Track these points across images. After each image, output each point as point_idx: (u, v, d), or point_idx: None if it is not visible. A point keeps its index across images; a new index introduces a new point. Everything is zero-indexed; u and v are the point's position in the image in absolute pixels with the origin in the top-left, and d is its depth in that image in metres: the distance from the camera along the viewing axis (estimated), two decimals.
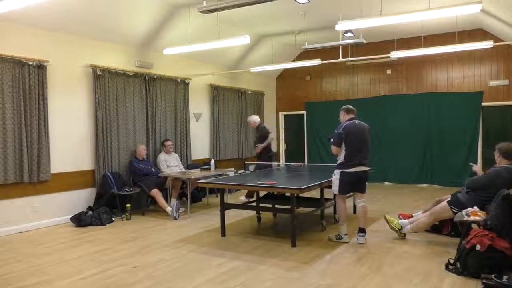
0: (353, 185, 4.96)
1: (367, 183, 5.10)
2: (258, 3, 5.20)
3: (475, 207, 4.26)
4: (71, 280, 3.89)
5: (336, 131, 4.96)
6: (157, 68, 7.83)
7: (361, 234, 4.95)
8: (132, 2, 6.46)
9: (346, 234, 4.99)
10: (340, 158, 4.95)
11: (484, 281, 3.47)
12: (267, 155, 7.91)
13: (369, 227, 5.70)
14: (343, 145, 4.89)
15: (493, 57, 8.94)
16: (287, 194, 5.62)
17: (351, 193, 5.22)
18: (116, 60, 7.10)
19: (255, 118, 7.97)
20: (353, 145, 4.88)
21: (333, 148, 5.01)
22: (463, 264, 3.79)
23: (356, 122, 5.02)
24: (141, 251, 4.76)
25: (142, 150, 7.08)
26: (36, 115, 5.90)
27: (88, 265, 4.30)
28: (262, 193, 6.45)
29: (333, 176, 5.01)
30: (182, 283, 3.74)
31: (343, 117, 5.09)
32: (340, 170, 4.91)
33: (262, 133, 7.87)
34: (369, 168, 5.11)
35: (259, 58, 10.06)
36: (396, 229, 5.07)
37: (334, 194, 5.07)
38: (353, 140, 4.88)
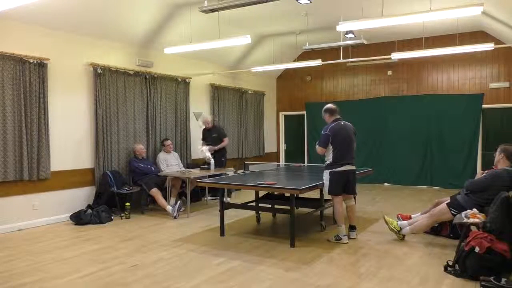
0: (343, 184, 4.99)
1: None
2: (260, 3, 5.20)
3: (475, 209, 4.27)
4: (70, 278, 3.88)
5: (322, 132, 5.01)
6: (158, 67, 7.83)
7: (352, 230, 5.18)
8: (133, 1, 6.46)
9: (345, 235, 5.00)
10: (329, 159, 5.00)
11: (483, 283, 3.48)
12: (221, 158, 7.96)
13: (368, 228, 5.72)
14: (330, 146, 4.95)
15: (494, 59, 8.94)
16: (287, 194, 5.63)
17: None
18: (117, 58, 7.10)
19: (211, 118, 8.17)
20: (341, 145, 4.93)
21: (319, 149, 5.07)
22: (462, 266, 3.80)
23: (342, 123, 5.06)
24: (140, 250, 4.76)
25: (140, 149, 7.07)
26: (37, 113, 5.90)
27: (87, 264, 4.30)
28: (261, 193, 6.44)
29: (323, 177, 5.06)
30: (181, 282, 3.74)
31: (328, 119, 5.13)
32: (329, 170, 4.96)
33: (219, 134, 7.97)
34: (356, 168, 5.18)
35: (260, 58, 10.06)
36: (395, 230, 5.07)
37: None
38: (340, 141, 4.93)
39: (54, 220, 6.19)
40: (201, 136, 8.25)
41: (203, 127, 8.19)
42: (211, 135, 7.98)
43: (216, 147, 7.83)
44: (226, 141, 8.08)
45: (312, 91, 11.29)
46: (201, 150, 7.64)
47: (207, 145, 7.79)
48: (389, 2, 6.67)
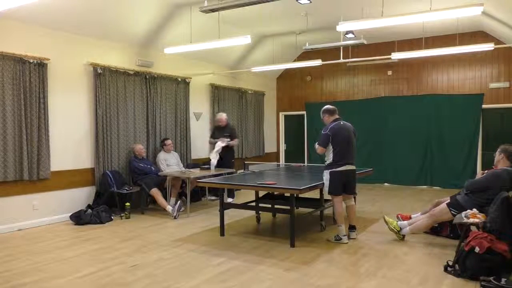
0: (343, 184, 5.00)
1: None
2: (260, 3, 5.21)
3: (475, 209, 4.27)
4: (70, 278, 3.89)
5: (322, 132, 5.01)
6: (158, 67, 7.84)
7: (352, 230, 5.17)
8: (133, 1, 6.46)
9: (345, 235, 4.99)
10: (329, 159, 5.00)
11: (482, 283, 3.48)
12: (231, 160, 7.97)
13: (368, 228, 5.72)
14: (330, 146, 4.95)
15: (494, 59, 8.94)
16: (287, 194, 5.63)
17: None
18: (117, 58, 7.10)
19: (225, 115, 8.12)
20: (341, 145, 4.94)
21: (319, 148, 5.06)
22: (462, 266, 3.80)
23: (342, 123, 5.07)
24: (140, 250, 4.76)
25: (139, 149, 7.07)
26: (37, 113, 5.90)
27: (87, 263, 4.30)
28: (261, 193, 6.44)
29: (323, 177, 5.05)
30: (181, 282, 3.74)
31: (328, 119, 5.13)
32: (330, 170, 4.96)
33: (232, 133, 7.93)
34: (356, 168, 5.19)
35: (260, 58, 10.06)
36: (395, 230, 5.07)
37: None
38: (340, 141, 4.94)
39: (54, 220, 6.19)
40: (200, 136, 8.25)
41: (219, 124, 8.07)
42: (223, 134, 7.87)
43: (231, 143, 7.79)
44: (237, 141, 8.09)
45: (312, 91, 11.29)
46: (216, 143, 7.60)
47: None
48: (389, 2, 6.67)
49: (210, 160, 7.42)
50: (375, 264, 4.20)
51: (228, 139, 7.70)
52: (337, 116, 5.12)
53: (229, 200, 7.79)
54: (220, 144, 7.52)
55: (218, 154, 7.45)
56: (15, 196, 5.75)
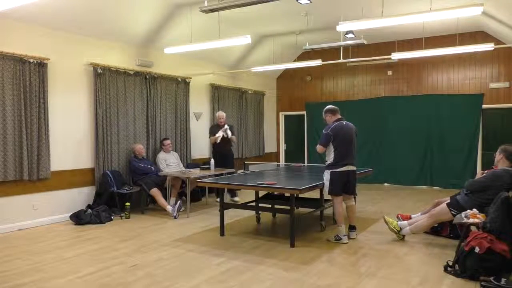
0: (344, 184, 4.99)
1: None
2: (260, 3, 5.20)
3: (474, 209, 4.27)
4: (70, 278, 3.88)
5: (324, 131, 5.01)
6: (158, 67, 7.84)
7: (352, 230, 5.19)
8: (133, 1, 6.46)
9: (345, 235, 5.00)
10: (330, 159, 5.00)
11: (482, 283, 3.48)
12: (231, 159, 8.02)
13: (368, 228, 5.72)
14: (331, 146, 4.94)
15: (494, 59, 8.94)
16: (287, 194, 5.63)
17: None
18: (117, 58, 7.10)
19: (225, 114, 8.12)
20: (342, 145, 4.94)
21: (319, 147, 5.06)
22: (462, 266, 3.80)
23: (344, 123, 5.07)
24: (140, 250, 4.76)
25: (139, 149, 7.07)
26: (37, 112, 5.90)
27: (87, 263, 4.30)
28: (261, 193, 6.44)
29: (324, 177, 5.05)
30: (180, 282, 3.74)
31: (330, 119, 5.12)
32: (330, 170, 4.96)
33: (230, 129, 7.91)
34: (356, 168, 5.19)
35: (260, 58, 10.06)
36: (395, 230, 5.07)
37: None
38: (342, 141, 4.94)
39: (54, 220, 6.19)
40: (200, 136, 8.22)
41: (219, 121, 8.01)
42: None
43: (234, 136, 7.83)
44: (235, 139, 8.11)
45: (312, 91, 11.29)
46: (225, 129, 7.66)
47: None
48: (389, 2, 6.66)
49: (218, 134, 7.60)
50: (375, 264, 4.20)
51: (229, 130, 7.73)
52: (339, 116, 5.11)
53: (236, 198, 7.83)
54: (227, 127, 7.66)
55: (225, 132, 7.63)
56: (15, 196, 5.75)
